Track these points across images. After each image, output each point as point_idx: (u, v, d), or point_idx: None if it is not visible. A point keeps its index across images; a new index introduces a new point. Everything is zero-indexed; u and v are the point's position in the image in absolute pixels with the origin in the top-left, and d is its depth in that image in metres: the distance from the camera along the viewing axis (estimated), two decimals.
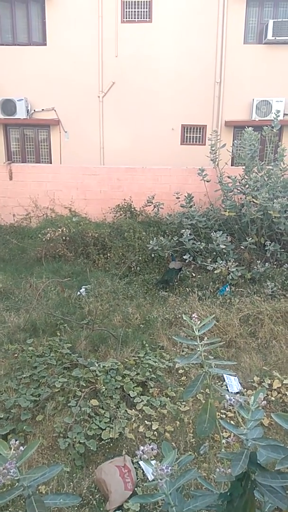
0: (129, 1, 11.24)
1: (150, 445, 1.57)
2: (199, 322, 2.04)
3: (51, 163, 12.20)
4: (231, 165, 10.13)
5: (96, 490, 2.95)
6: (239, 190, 7.93)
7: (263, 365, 4.59)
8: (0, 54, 11.83)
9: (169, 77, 11.40)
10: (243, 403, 1.68)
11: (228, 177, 8.09)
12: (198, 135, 11.80)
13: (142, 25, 11.32)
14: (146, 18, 11.30)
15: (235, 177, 8.00)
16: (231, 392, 3.71)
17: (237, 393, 3.94)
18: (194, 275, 7.36)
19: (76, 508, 2.77)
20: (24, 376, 4.08)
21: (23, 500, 2.78)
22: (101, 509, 2.80)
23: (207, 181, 8.46)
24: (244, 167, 8.06)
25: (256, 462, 1.63)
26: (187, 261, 7.54)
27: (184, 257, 7.56)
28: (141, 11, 11.27)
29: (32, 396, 3.77)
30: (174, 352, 4.82)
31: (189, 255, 7.54)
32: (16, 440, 1.65)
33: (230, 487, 1.70)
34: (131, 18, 11.33)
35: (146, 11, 11.25)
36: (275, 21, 10.58)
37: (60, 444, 3.28)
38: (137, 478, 3.02)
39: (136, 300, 6.33)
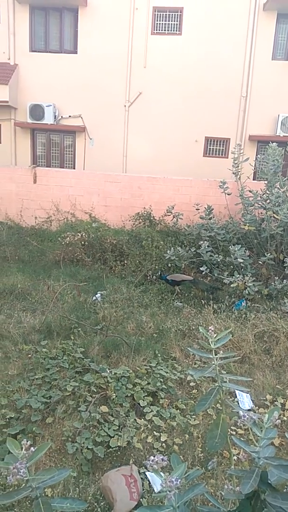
0: (160, 14, 11.43)
1: (160, 456, 1.57)
2: (215, 335, 2.03)
3: (74, 168, 12.41)
4: (253, 179, 10.10)
5: (101, 498, 2.94)
6: (260, 204, 7.88)
7: (277, 383, 4.51)
8: (32, 60, 12.18)
9: (195, 89, 11.50)
10: (257, 421, 1.66)
11: (250, 191, 8.05)
12: (221, 147, 11.82)
13: (171, 37, 11.48)
14: (176, 30, 11.46)
15: (257, 192, 7.96)
16: (242, 409, 3.65)
17: (249, 410, 3.88)
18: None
19: None
20: (37, 377, 4.12)
21: (29, 501, 2.79)
22: None
23: (228, 194, 8.44)
24: (266, 182, 8.02)
25: (267, 481, 1.60)
26: (203, 273, 7.51)
27: (201, 268, 7.53)
28: (171, 23, 11.44)
29: (43, 397, 3.80)
30: (186, 364, 4.78)
31: (206, 267, 7.51)
32: (27, 441, 1.67)
33: (238, 505, 1.67)
34: (161, 30, 11.52)
35: (177, 24, 11.42)
36: None
37: (68, 448, 3.28)
38: (143, 489, 2.99)
39: (150, 309, 6.32)
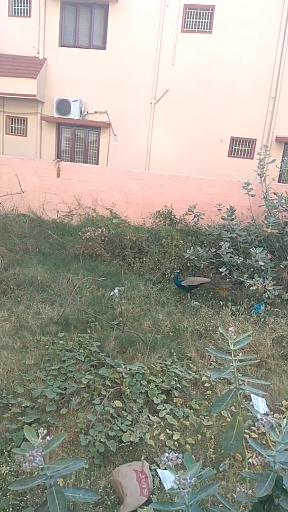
0: (191, 12, 11.34)
1: (175, 453, 1.57)
2: (235, 337, 2.01)
3: (97, 164, 12.47)
4: (278, 182, 9.93)
5: (111, 491, 2.96)
6: (284, 207, 7.75)
7: None
8: (60, 54, 12.28)
9: (223, 88, 11.37)
10: (275, 425, 1.64)
11: (274, 193, 7.93)
12: (246, 148, 11.66)
13: (201, 36, 11.37)
14: (206, 28, 11.34)
15: (282, 194, 7.83)
16: (258, 413, 3.61)
17: (264, 415, 3.83)
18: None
19: (91, 506, 2.79)
20: (53, 368, 4.18)
21: (41, 490, 2.84)
22: (115, 510, 2.81)
23: (251, 196, 8.33)
24: None
25: (282, 486, 1.58)
26: (222, 274, 7.44)
27: (220, 269, 7.47)
28: (202, 21, 11.34)
29: (59, 388, 3.85)
30: (202, 364, 4.76)
31: (225, 269, 7.44)
32: (44, 430, 1.70)
33: (252, 509, 1.66)
34: (192, 28, 11.42)
35: (207, 22, 11.31)
36: None
37: (81, 440, 3.32)
38: (154, 486, 3.00)
39: (167, 307, 6.31)
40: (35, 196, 10.79)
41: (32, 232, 9.26)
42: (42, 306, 5.80)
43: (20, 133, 12.97)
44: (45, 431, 1.67)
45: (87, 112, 12.35)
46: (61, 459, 1.68)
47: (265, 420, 1.64)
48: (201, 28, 11.39)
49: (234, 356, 1.97)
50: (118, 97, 12.06)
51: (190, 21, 11.42)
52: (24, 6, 12.29)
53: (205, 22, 11.34)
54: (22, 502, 2.77)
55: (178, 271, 7.25)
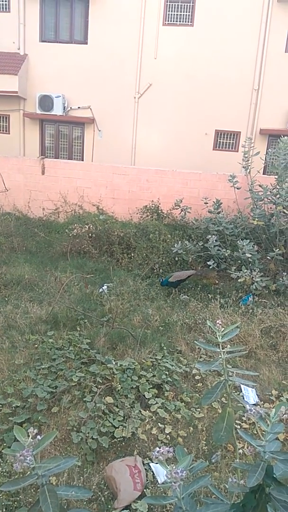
0: (172, 5, 11.29)
1: (166, 447, 1.57)
2: (222, 329, 2.02)
3: (83, 160, 12.38)
4: (263, 174, 9.99)
5: (105, 487, 2.96)
6: (269, 199, 7.80)
7: (283, 379, 4.50)
8: (42, 50, 12.12)
9: (206, 81, 11.37)
10: (264, 415, 1.65)
11: (260, 185, 7.98)
12: (231, 141, 11.71)
13: (183, 29, 11.34)
14: (188, 22, 11.32)
15: (267, 186, 7.88)
16: (248, 403, 3.65)
17: (254, 405, 3.87)
18: (217, 282, 7.30)
19: (85, 503, 2.79)
20: (43, 367, 4.15)
21: (34, 489, 2.83)
22: (109, 506, 2.81)
23: (237, 188, 8.37)
24: (276, 176, 7.93)
25: (272, 475, 1.60)
26: (211, 267, 7.48)
27: (208, 263, 7.50)
28: (183, 14, 11.30)
29: (49, 387, 3.83)
30: (192, 358, 4.79)
31: (213, 262, 7.48)
32: (34, 429, 1.68)
33: (243, 498, 1.67)
34: (173, 21, 11.38)
35: (188, 14, 11.27)
36: None
37: (73, 438, 3.31)
38: (147, 480, 3.01)
39: (156, 302, 6.32)
40: (20, 194, 10.67)
41: (18, 231, 9.16)
42: (30, 305, 5.75)
43: (3, 130, 12.80)
44: (35, 431, 1.66)
45: (71, 107, 12.24)
46: (52, 457, 1.67)
47: (254, 410, 1.66)
48: (182, 21, 11.36)
49: (222, 348, 1.98)
50: (102, 92, 11.97)
51: (171, 14, 11.37)
52: (3, 1, 12.09)
53: (186, 15, 11.30)
54: (15, 503, 2.76)
55: (164, 278, 7.00)
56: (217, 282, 7.26)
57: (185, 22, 11.34)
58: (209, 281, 7.29)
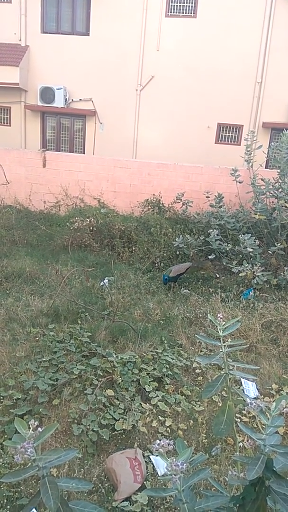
0: None
1: (166, 440, 1.58)
2: (223, 323, 2.02)
3: (84, 153, 12.33)
4: (266, 168, 9.94)
5: (105, 479, 2.99)
6: (272, 193, 7.77)
7: (283, 373, 4.51)
8: (43, 41, 12.01)
9: (209, 74, 11.27)
10: (264, 408, 1.65)
11: (262, 179, 7.94)
12: (234, 134, 11.64)
13: (186, 20, 11.22)
14: (191, 13, 11.19)
15: (269, 180, 7.85)
16: (248, 397, 3.66)
17: (254, 398, 3.88)
18: (218, 276, 7.29)
19: (85, 495, 2.81)
20: (44, 360, 4.16)
21: (35, 480, 2.85)
22: (109, 498, 2.83)
23: (239, 182, 8.34)
24: (279, 170, 7.89)
25: (272, 469, 1.60)
26: (212, 261, 7.46)
27: (210, 257, 7.49)
28: (186, 5, 11.17)
29: (50, 380, 3.84)
30: (192, 351, 4.80)
31: (214, 256, 7.47)
32: (34, 421, 1.69)
33: (243, 491, 1.68)
34: (176, 12, 11.26)
35: (192, 6, 11.15)
36: None
37: (74, 430, 3.33)
38: (147, 472, 3.04)
39: (157, 296, 6.33)
40: (21, 187, 10.64)
41: (19, 224, 9.15)
42: (31, 298, 5.76)
43: (4, 122, 12.72)
44: (36, 423, 1.66)
45: (72, 100, 12.15)
46: (53, 449, 1.68)
47: (254, 404, 1.66)
48: (185, 13, 11.23)
49: (223, 342, 1.98)
50: (103, 84, 11.88)
51: (174, 5, 11.25)
52: None
53: (189, 6, 11.18)
54: (17, 493, 2.78)
55: (164, 275, 6.86)
56: (217, 275, 7.24)
57: (188, 13, 11.21)
58: (207, 272, 7.29)
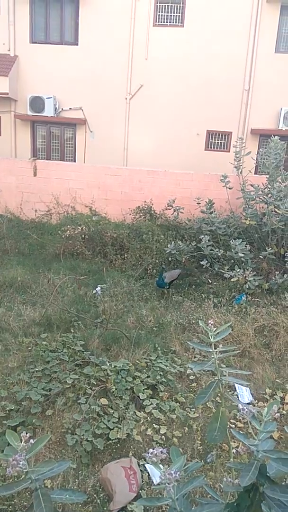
0: (162, 5, 11.31)
1: (159, 449, 1.57)
2: (214, 329, 2.02)
3: (75, 161, 12.35)
4: (255, 174, 10.04)
5: (100, 489, 2.96)
6: (261, 199, 7.84)
7: (276, 377, 4.52)
8: (32, 51, 12.07)
9: (197, 82, 11.40)
10: (256, 414, 1.66)
11: (251, 185, 8.01)
12: (223, 141, 11.76)
13: (173, 29, 11.36)
14: (178, 22, 11.34)
15: (258, 186, 7.92)
16: (242, 403, 3.66)
17: (248, 404, 3.89)
18: (210, 281, 7.32)
19: (80, 506, 2.78)
20: (37, 370, 4.13)
21: (29, 492, 2.81)
22: (105, 508, 2.80)
23: (229, 188, 8.40)
24: (268, 176, 7.98)
25: (266, 474, 1.60)
26: (204, 267, 7.50)
27: (202, 262, 7.52)
28: (173, 15, 11.32)
29: (43, 390, 3.81)
30: (186, 358, 4.79)
31: (206, 261, 7.50)
32: (26, 433, 1.67)
33: (237, 498, 1.68)
34: (163, 22, 11.40)
35: (179, 15, 11.30)
36: None
37: (67, 440, 3.30)
38: (142, 481, 3.01)
39: (150, 303, 6.33)
40: (12, 196, 10.61)
41: (10, 233, 9.11)
42: (23, 308, 5.72)
43: None
44: (28, 435, 1.64)
45: (62, 109, 12.20)
46: (46, 461, 1.66)
47: (246, 409, 1.66)
48: (173, 22, 11.38)
49: (215, 348, 1.99)
50: (93, 93, 11.95)
51: (162, 15, 11.39)
52: None
53: (177, 15, 11.33)
54: (10, 507, 2.74)
55: (161, 271, 7.02)
56: (209, 280, 7.28)
57: (176, 23, 11.36)
58: (195, 276, 7.36)
